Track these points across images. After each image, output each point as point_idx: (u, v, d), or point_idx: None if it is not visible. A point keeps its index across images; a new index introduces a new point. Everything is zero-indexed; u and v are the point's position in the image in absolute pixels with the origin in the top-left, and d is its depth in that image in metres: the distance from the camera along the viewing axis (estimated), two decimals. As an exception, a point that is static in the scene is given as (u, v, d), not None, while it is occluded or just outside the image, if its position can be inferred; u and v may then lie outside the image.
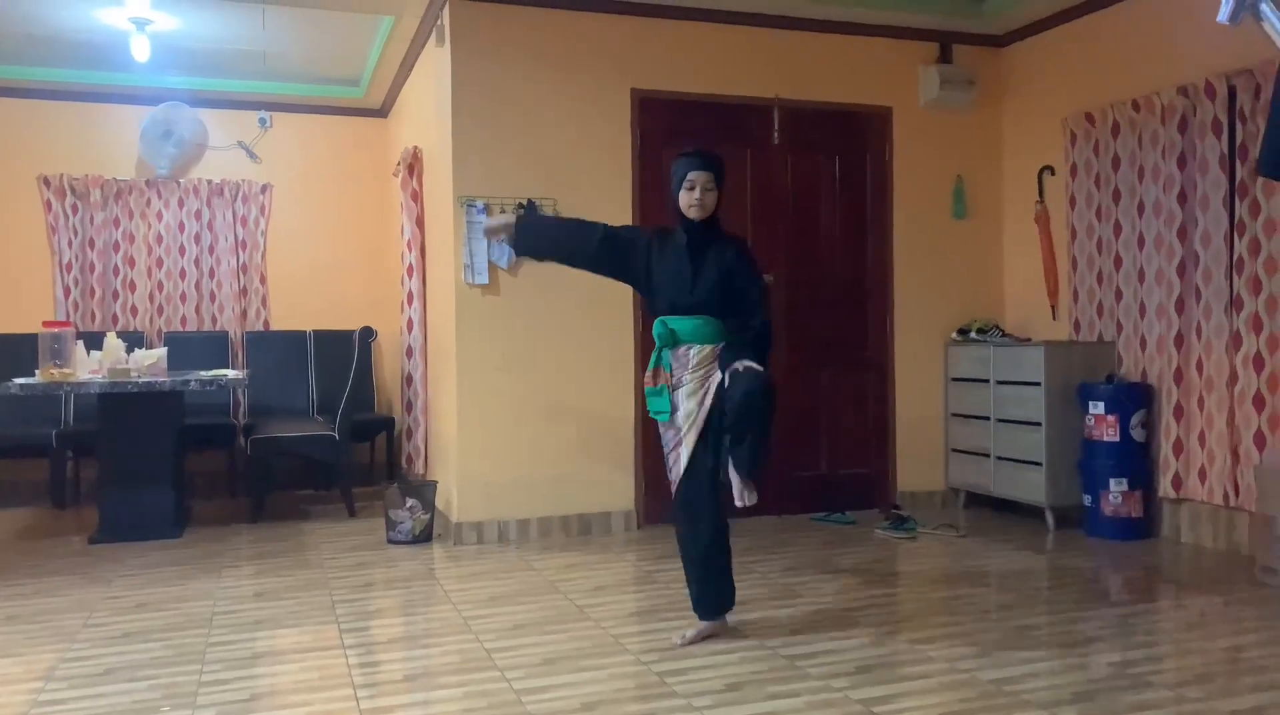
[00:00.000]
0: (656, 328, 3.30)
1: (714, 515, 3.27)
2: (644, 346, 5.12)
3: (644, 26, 5.09)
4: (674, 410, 3.25)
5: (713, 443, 3.24)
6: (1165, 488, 4.68)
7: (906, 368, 5.58)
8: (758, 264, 3.34)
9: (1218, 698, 2.73)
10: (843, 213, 5.51)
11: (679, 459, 3.26)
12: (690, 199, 3.23)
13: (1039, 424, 4.92)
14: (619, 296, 5.06)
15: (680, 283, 3.25)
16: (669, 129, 5.17)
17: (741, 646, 3.22)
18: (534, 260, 4.08)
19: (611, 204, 5.03)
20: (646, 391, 3.34)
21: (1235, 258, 4.36)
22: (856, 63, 5.46)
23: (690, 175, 3.23)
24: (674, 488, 3.31)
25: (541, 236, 3.61)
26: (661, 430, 3.35)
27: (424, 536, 4.86)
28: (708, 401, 3.21)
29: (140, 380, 4.91)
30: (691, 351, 3.24)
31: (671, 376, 3.27)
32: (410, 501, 4.83)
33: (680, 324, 3.26)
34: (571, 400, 4.98)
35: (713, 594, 3.31)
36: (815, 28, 5.35)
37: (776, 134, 5.34)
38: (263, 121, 6.72)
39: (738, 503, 3.20)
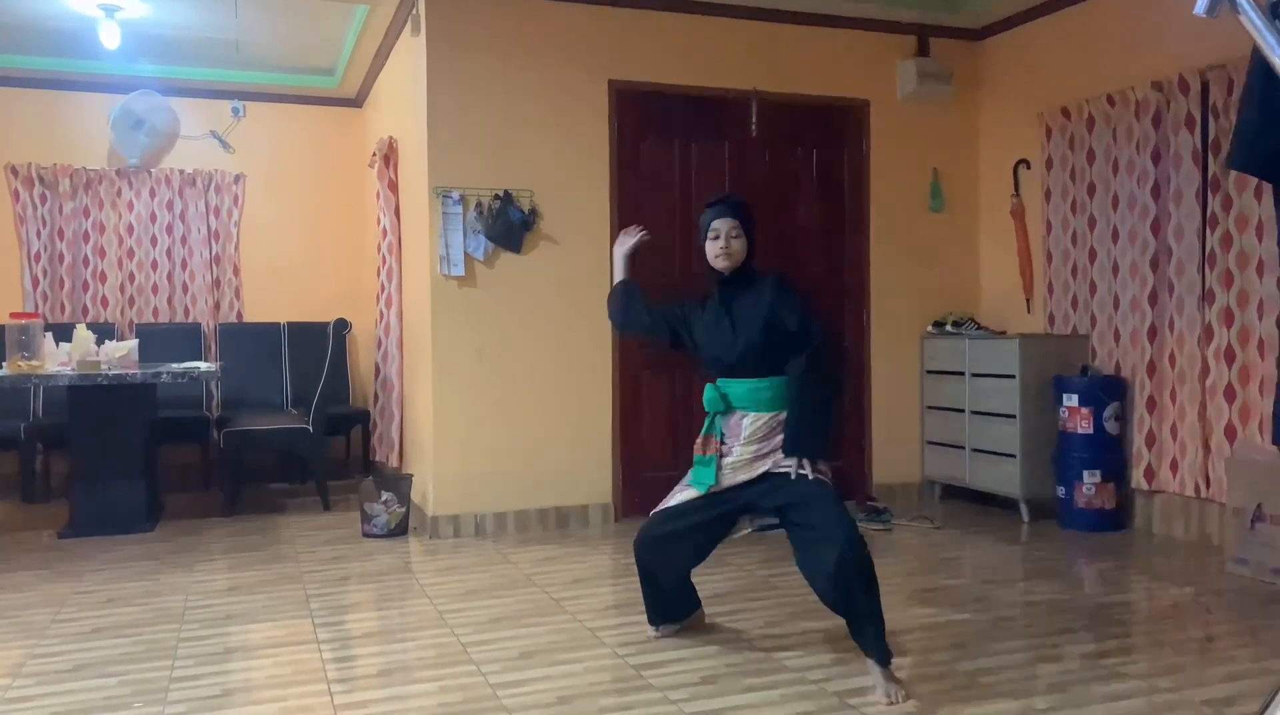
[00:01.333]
0: (708, 393, 3.02)
1: (689, 560, 3.14)
2: (623, 340, 5.11)
3: (622, 17, 5.07)
4: (718, 482, 2.97)
5: (725, 515, 3.04)
6: (1138, 480, 4.72)
7: (882, 360, 5.60)
8: (799, 292, 3.05)
9: (1189, 688, 2.76)
10: (820, 205, 5.52)
11: (676, 496, 3.07)
12: (715, 249, 3.01)
13: (1013, 416, 4.95)
14: (597, 288, 5.05)
15: (722, 340, 3.00)
16: (647, 120, 5.16)
17: (718, 639, 3.22)
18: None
19: (589, 196, 5.02)
20: (695, 459, 3.02)
21: (1208, 252, 4.39)
22: (835, 56, 5.47)
23: (714, 224, 3.01)
24: (659, 507, 3.11)
25: (632, 311, 3.34)
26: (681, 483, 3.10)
27: (399, 530, 4.83)
28: (751, 474, 2.94)
29: (111, 373, 4.85)
30: (745, 420, 2.95)
31: (722, 445, 2.98)
32: (386, 495, 4.80)
33: (732, 388, 2.98)
34: (549, 393, 4.96)
35: (671, 610, 3.28)
36: (794, 20, 5.34)
37: (755, 126, 5.34)
38: (236, 111, 6.64)
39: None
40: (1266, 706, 1.30)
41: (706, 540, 3.10)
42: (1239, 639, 3.21)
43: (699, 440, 3.03)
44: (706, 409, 3.02)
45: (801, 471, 2.86)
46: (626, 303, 3.34)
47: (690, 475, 3.05)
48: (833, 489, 2.86)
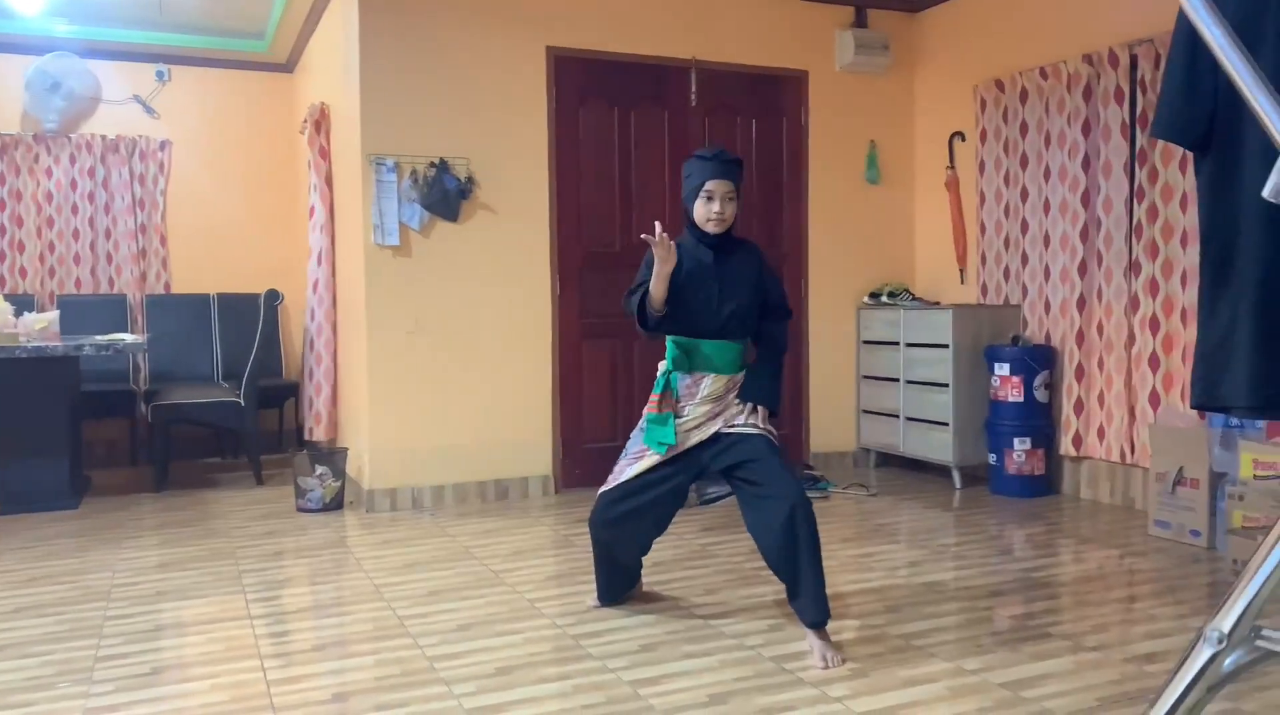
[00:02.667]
0: (672, 351, 2.94)
1: (650, 533, 3.08)
2: (561, 307, 5.08)
3: (559, -17, 4.99)
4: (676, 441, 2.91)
5: (681, 482, 2.98)
6: (1066, 446, 4.84)
7: (820, 330, 5.65)
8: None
9: (1113, 646, 2.85)
10: (759, 176, 5.52)
11: (628, 470, 2.99)
12: (708, 212, 2.88)
13: (947, 386, 5.03)
14: (536, 258, 5.00)
15: (708, 307, 2.91)
16: (586, 88, 5.10)
17: (657, 608, 3.23)
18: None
19: (527, 163, 4.96)
20: (647, 417, 2.95)
21: (1135, 223, 4.49)
22: (773, 26, 5.45)
23: (708, 185, 2.86)
24: (610, 484, 3.03)
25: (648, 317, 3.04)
26: (635, 432, 3.04)
27: (335, 504, 4.76)
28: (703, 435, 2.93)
29: (30, 345, 4.68)
30: (705, 381, 2.93)
31: (677, 403, 2.95)
32: (320, 469, 4.72)
33: (702, 347, 2.93)
34: (488, 364, 4.91)
35: (624, 586, 3.27)
36: (732, -12, 5.32)
37: (694, 96, 5.31)
38: (160, 75, 6.42)
39: None
40: (1183, 661, 1.34)
41: (666, 511, 3.04)
42: (1160, 598, 3.32)
43: (654, 399, 2.97)
44: (671, 368, 2.95)
45: (752, 421, 2.90)
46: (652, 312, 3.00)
47: (643, 437, 2.97)
48: (781, 448, 2.91)
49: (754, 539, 2.91)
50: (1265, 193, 1.26)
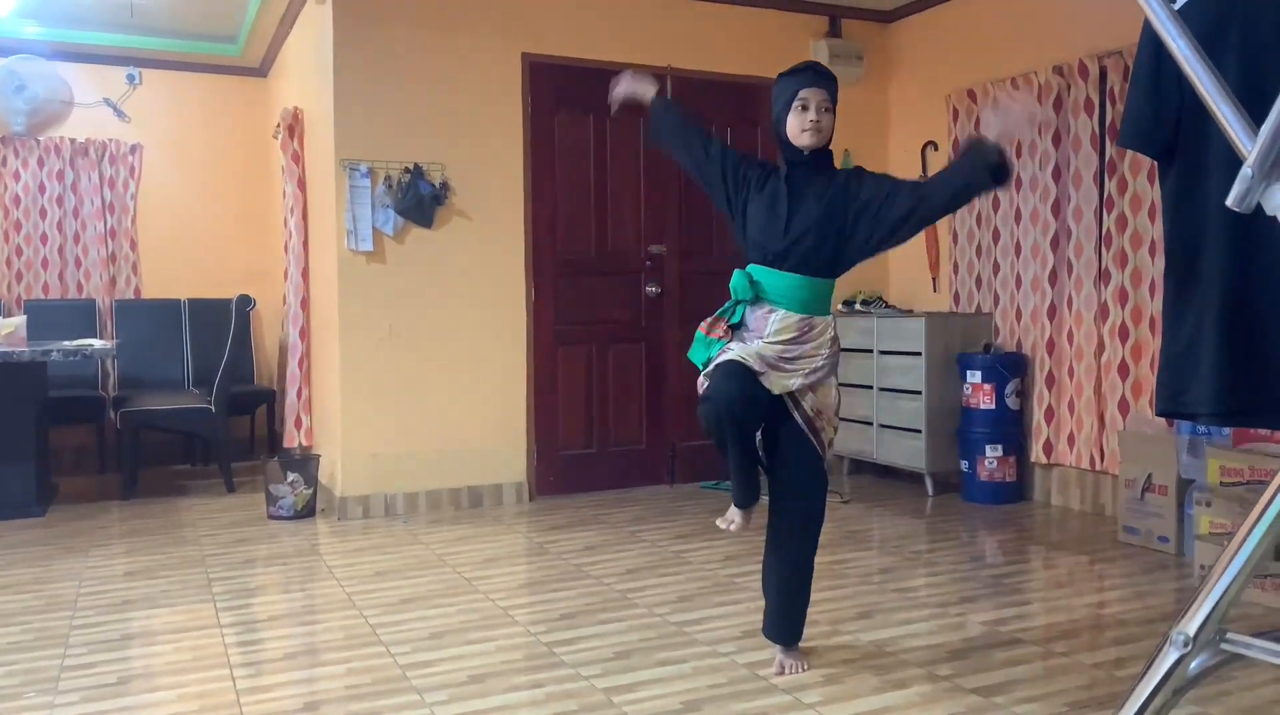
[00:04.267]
0: (737, 278, 2.65)
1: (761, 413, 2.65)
2: (536, 314, 5.07)
3: (535, -10, 5.00)
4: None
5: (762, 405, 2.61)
6: (1037, 453, 4.88)
7: (795, 338, 5.66)
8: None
9: (1082, 651, 2.87)
10: (734, 184, 5.53)
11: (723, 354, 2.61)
12: (803, 122, 2.60)
13: (919, 393, 5.06)
14: (511, 262, 4.99)
15: (773, 226, 2.61)
16: (561, 95, 5.10)
17: (630, 615, 3.23)
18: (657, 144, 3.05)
19: (502, 169, 4.95)
20: (698, 337, 2.69)
21: (1104, 232, 4.55)
22: (748, 35, 5.48)
23: (803, 93, 2.60)
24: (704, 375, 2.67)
25: (668, 124, 2.90)
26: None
27: (307, 512, 4.72)
28: (771, 376, 2.59)
29: (-4, 350, 4.62)
30: (774, 316, 2.61)
31: (734, 333, 2.65)
32: (292, 476, 4.68)
33: (768, 277, 2.62)
34: (462, 370, 4.89)
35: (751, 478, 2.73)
36: (707, -3, 5.34)
37: (668, 103, 5.32)
38: (131, 78, 6.35)
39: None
40: (1149, 665, 1.36)
41: (762, 406, 2.62)
42: (1129, 604, 3.35)
43: (708, 320, 2.69)
44: (734, 295, 2.67)
45: (820, 407, 2.66)
46: (671, 121, 2.88)
47: (691, 354, 2.74)
48: (824, 459, 2.71)
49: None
50: (1228, 201, 1.28)
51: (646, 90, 2.93)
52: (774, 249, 2.62)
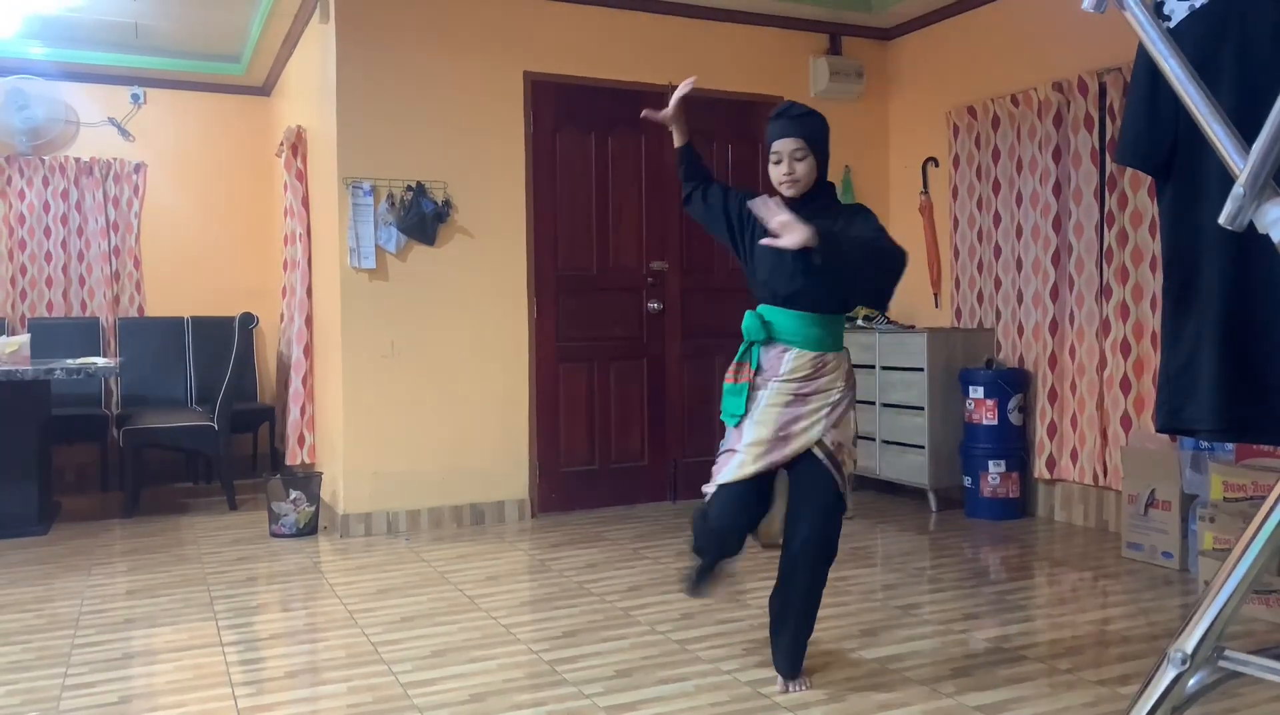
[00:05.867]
0: (749, 320, 2.69)
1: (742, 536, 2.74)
2: (538, 331, 5.08)
3: (537, 8, 5.03)
4: (746, 416, 2.66)
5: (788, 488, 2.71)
6: (1040, 469, 4.87)
7: (797, 354, 5.67)
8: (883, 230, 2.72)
9: (1086, 668, 2.86)
10: (735, 201, 5.55)
11: (728, 466, 2.68)
12: (779, 175, 2.64)
13: (922, 408, 5.06)
14: (514, 279, 5.01)
15: (781, 266, 2.61)
16: (563, 113, 5.13)
17: (632, 633, 3.22)
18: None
19: (504, 187, 4.97)
20: (725, 388, 2.71)
21: (1105, 248, 4.55)
22: (749, 52, 5.51)
23: (775, 146, 2.62)
24: (708, 492, 2.73)
25: (688, 163, 2.91)
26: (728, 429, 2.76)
27: (309, 529, 4.72)
28: (794, 439, 2.63)
29: (0, 369, 4.63)
30: (788, 355, 2.64)
31: (755, 375, 2.67)
32: (294, 493, 4.68)
33: (778, 317, 2.65)
34: (463, 388, 4.90)
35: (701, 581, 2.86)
36: (709, 16, 5.37)
37: (670, 121, 5.34)
38: (135, 98, 6.40)
39: None
40: (1148, 683, 1.35)
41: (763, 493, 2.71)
42: (1133, 620, 3.33)
43: (731, 368, 2.71)
44: (746, 337, 2.70)
45: (837, 438, 2.66)
46: (690, 173, 2.89)
47: (724, 412, 2.72)
48: (844, 485, 2.68)
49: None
50: (1221, 219, 1.28)
51: (680, 132, 2.89)
52: (783, 290, 2.65)
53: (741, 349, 2.71)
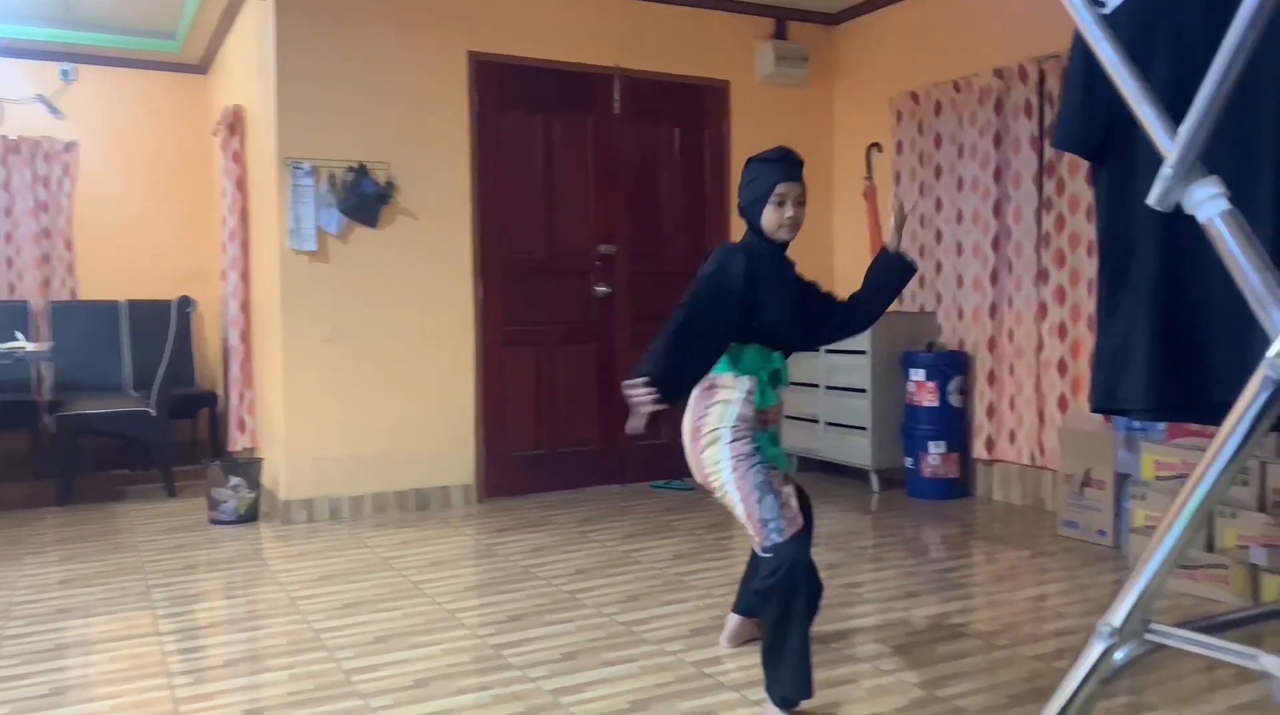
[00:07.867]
0: (777, 362, 2.63)
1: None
2: (485, 314, 5.04)
3: (480, -12, 4.97)
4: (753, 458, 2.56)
5: None
6: (979, 450, 4.96)
7: (743, 338, 5.69)
8: None
9: (1023, 644, 2.92)
10: (682, 184, 5.56)
11: (792, 497, 2.57)
12: (779, 218, 2.56)
13: (865, 391, 5.12)
14: (459, 262, 4.96)
15: (795, 320, 2.64)
16: (508, 94, 5.08)
17: (578, 615, 3.22)
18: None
19: (448, 168, 4.91)
20: (760, 438, 2.57)
21: (1043, 233, 4.63)
22: (695, 36, 5.50)
23: (780, 188, 2.55)
24: (782, 537, 2.47)
25: (678, 374, 2.53)
26: (745, 469, 2.53)
27: (249, 516, 4.64)
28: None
29: (-77, 354, 4.48)
30: (782, 396, 2.70)
31: (765, 421, 2.62)
32: (234, 480, 4.60)
33: (777, 362, 2.64)
34: (408, 371, 4.85)
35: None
36: (654, -2, 5.35)
37: (617, 103, 5.33)
38: (65, 74, 6.20)
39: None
40: (1077, 658, 1.38)
41: None
42: (1069, 596, 3.42)
43: (761, 412, 2.58)
44: (781, 381, 2.64)
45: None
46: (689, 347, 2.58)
47: (770, 455, 2.61)
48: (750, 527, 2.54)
49: None
50: (1149, 200, 1.31)
51: (644, 405, 2.53)
52: (797, 343, 2.72)
53: (759, 396, 2.57)
